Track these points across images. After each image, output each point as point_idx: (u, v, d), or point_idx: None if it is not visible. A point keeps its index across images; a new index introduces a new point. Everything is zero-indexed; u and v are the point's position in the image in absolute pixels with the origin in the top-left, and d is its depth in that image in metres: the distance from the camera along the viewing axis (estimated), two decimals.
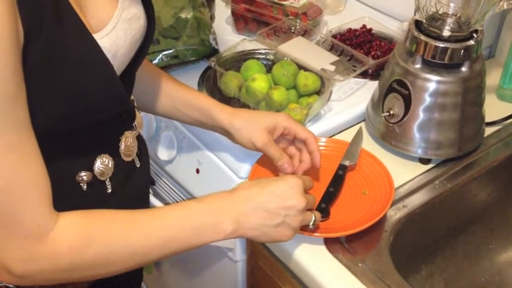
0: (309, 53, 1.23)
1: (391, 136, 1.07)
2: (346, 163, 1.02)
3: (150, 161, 0.97)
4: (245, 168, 1.06)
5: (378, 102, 1.09)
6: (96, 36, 0.71)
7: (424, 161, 1.07)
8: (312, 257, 0.90)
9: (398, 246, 0.93)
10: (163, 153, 1.22)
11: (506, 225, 1.15)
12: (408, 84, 1.02)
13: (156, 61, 1.23)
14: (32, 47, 0.63)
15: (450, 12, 1.01)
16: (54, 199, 0.68)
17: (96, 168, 0.78)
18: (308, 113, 1.10)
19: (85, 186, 0.78)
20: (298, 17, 1.34)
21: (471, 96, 1.03)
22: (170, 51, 1.24)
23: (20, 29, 0.61)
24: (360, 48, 1.31)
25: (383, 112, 1.07)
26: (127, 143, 0.83)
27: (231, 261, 1.14)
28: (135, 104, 0.91)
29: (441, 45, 0.99)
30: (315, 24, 1.36)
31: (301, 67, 1.16)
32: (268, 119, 0.97)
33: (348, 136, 1.10)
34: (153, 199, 1.15)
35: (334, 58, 1.23)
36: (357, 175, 1.02)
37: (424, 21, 1.02)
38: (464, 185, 1.05)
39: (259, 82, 1.13)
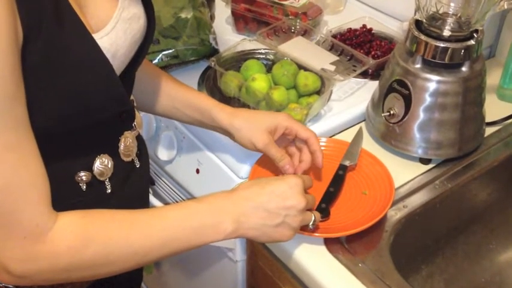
0: (309, 53, 1.22)
1: (392, 136, 1.07)
2: (347, 163, 1.02)
3: (150, 161, 0.96)
4: (245, 168, 1.06)
5: (378, 102, 1.09)
6: (95, 36, 0.71)
7: (424, 161, 1.07)
8: (312, 257, 0.90)
9: (399, 247, 0.93)
10: (163, 153, 1.22)
11: (507, 225, 1.15)
12: (408, 84, 1.02)
13: (156, 61, 1.23)
14: (31, 46, 0.63)
15: (450, 12, 1.01)
16: (54, 199, 0.68)
17: (95, 169, 0.78)
18: (308, 113, 1.10)
19: (84, 187, 0.78)
20: (298, 17, 1.33)
21: (471, 96, 1.03)
22: (170, 51, 1.24)
23: (19, 28, 0.61)
24: (360, 48, 1.31)
25: (383, 112, 1.07)
26: (126, 143, 0.83)
27: (231, 261, 1.14)
28: (135, 104, 0.91)
29: (441, 45, 0.99)
30: (315, 24, 1.36)
31: (301, 67, 1.16)
32: (269, 119, 0.97)
33: (348, 136, 1.10)
34: (153, 199, 1.15)
35: (334, 58, 1.23)
36: (357, 175, 1.02)
37: (424, 21, 1.02)
38: (465, 185, 1.05)
39: (259, 82, 1.13)
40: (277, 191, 0.80)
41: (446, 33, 1.00)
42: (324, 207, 0.93)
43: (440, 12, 1.01)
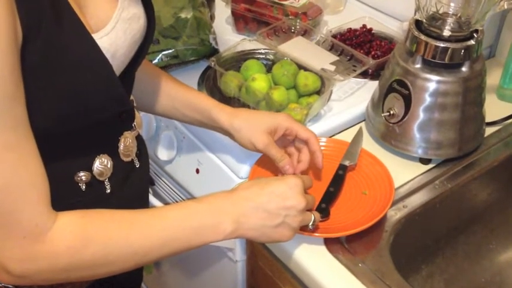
0: (309, 53, 1.22)
1: (391, 136, 1.07)
2: (346, 163, 1.02)
3: (150, 161, 0.96)
4: (245, 168, 1.06)
5: (378, 102, 1.09)
6: (95, 36, 0.71)
7: (424, 161, 1.07)
8: (312, 257, 0.90)
9: (399, 247, 0.93)
10: (163, 153, 1.22)
11: (507, 225, 1.15)
12: (408, 84, 1.02)
13: (155, 61, 1.23)
14: (30, 46, 0.63)
15: (450, 12, 1.01)
16: (53, 199, 0.68)
17: (95, 169, 0.78)
18: (308, 113, 1.10)
19: (84, 187, 0.78)
20: (298, 17, 1.33)
21: (471, 96, 1.03)
22: (170, 51, 1.24)
23: (18, 28, 0.61)
24: (360, 48, 1.31)
25: (383, 112, 1.07)
26: (126, 143, 0.83)
27: (231, 261, 1.14)
28: (135, 104, 0.91)
29: (441, 45, 0.99)
30: (315, 24, 1.36)
31: (301, 67, 1.16)
32: (269, 120, 0.97)
33: (348, 136, 1.10)
34: (153, 199, 1.15)
35: (334, 58, 1.23)
36: (357, 175, 1.02)
37: (424, 21, 1.02)
38: (465, 185, 1.05)
39: (259, 82, 1.13)
40: (277, 192, 0.80)
41: (446, 33, 1.00)
42: (324, 207, 0.93)
43: (440, 12, 1.01)
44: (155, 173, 1.30)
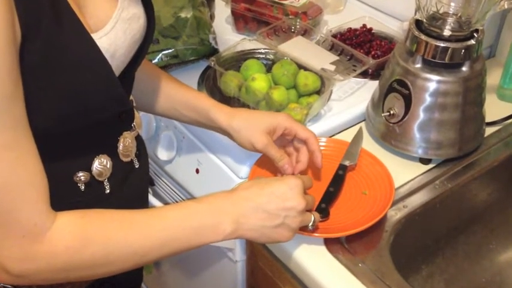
0: (309, 53, 1.22)
1: (392, 136, 1.07)
2: (346, 163, 1.02)
3: (150, 161, 0.96)
4: (245, 168, 1.06)
5: (378, 102, 1.09)
6: (94, 36, 0.71)
7: (424, 161, 1.07)
8: (312, 257, 0.90)
9: (399, 247, 0.93)
10: (162, 153, 1.22)
11: (507, 225, 1.15)
12: (408, 84, 1.02)
13: (155, 61, 1.23)
14: (29, 46, 0.63)
15: (451, 12, 1.01)
16: (52, 199, 0.68)
17: (94, 169, 0.78)
18: (308, 112, 1.10)
19: (83, 187, 0.78)
20: (298, 17, 1.33)
21: (472, 96, 1.03)
22: (170, 50, 1.23)
23: (17, 28, 0.61)
24: (360, 47, 1.31)
25: (383, 112, 1.07)
26: (125, 143, 0.83)
27: (231, 261, 1.14)
28: (134, 104, 0.90)
29: (442, 44, 0.99)
30: (315, 24, 1.36)
31: (301, 67, 1.16)
32: (268, 119, 0.97)
33: (348, 136, 1.10)
34: (152, 199, 1.15)
35: (334, 58, 1.23)
36: (357, 175, 1.02)
37: (424, 20, 1.02)
38: (465, 185, 1.05)
39: (259, 82, 1.12)
40: (277, 192, 0.80)
41: (447, 33, 1.00)
42: (324, 207, 0.93)
43: (441, 12, 1.01)
44: (155, 173, 1.30)
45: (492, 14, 1.07)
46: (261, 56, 1.26)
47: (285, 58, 1.18)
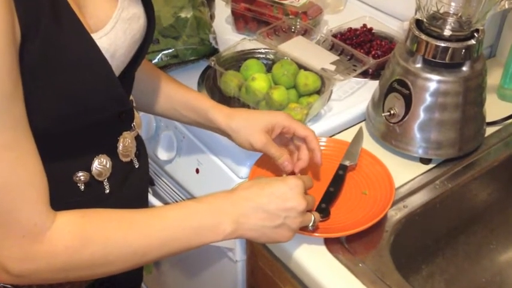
0: (309, 53, 1.22)
1: (392, 136, 1.06)
2: (347, 163, 1.02)
3: (150, 161, 0.96)
4: (245, 168, 1.06)
5: (379, 102, 1.08)
6: (94, 36, 0.71)
7: (424, 161, 1.07)
8: (312, 257, 0.90)
9: (399, 247, 0.93)
10: (162, 153, 1.22)
11: (507, 225, 1.15)
12: (409, 83, 1.02)
13: (155, 60, 1.22)
14: (29, 46, 0.63)
15: (451, 12, 1.01)
16: (52, 199, 0.68)
17: (93, 169, 0.78)
18: (308, 112, 1.10)
19: (82, 187, 0.78)
20: (299, 17, 1.33)
21: (472, 96, 1.03)
22: (170, 50, 1.23)
23: (17, 27, 0.61)
24: (360, 47, 1.31)
25: (383, 112, 1.07)
26: (125, 143, 0.83)
27: (231, 261, 1.14)
28: (134, 104, 0.90)
29: (442, 44, 0.99)
30: (315, 24, 1.36)
31: (301, 67, 1.16)
32: (266, 118, 0.97)
33: (348, 136, 1.10)
34: (152, 199, 1.15)
35: (335, 57, 1.23)
36: (357, 175, 1.02)
37: (424, 20, 1.02)
38: (465, 185, 1.05)
39: (259, 82, 1.12)
40: (277, 192, 0.79)
41: (447, 32, 1.00)
42: (324, 207, 0.93)
43: (441, 11, 1.01)
44: (155, 173, 1.29)
45: (492, 14, 1.07)
46: (261, 56, 1.26)
47: (285, 58, 1.18)
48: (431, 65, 1.01)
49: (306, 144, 0.97)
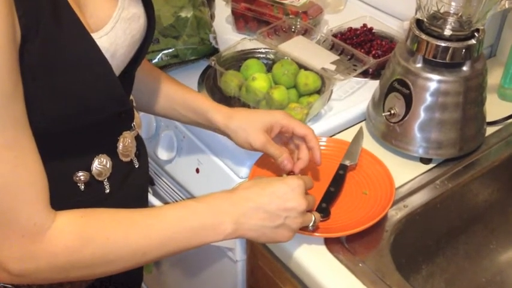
0: (310, 52, 1.22)
1: (392, 136, 1.06)
2: (347, 163, 1.02)
3: (150, 161, 0.96)
4: (245, 168, 1.06)
5: (379, 102, 1.08)
6: (94, 35, 0.71)
7: (425, 160, 1.07)
8: (312, 257, 0.90)
9: (399, 246, 0.93)
10: (163, 153, 1.22)
11: (507, 225, 1.15)
12: (409, 83, 1.02)
13: (155, 60, 1.22)
14: (29, 46, 0.63)
15: (451, 11, 1.01)
16: (52, 199, 0.68)
17: (93, 169, 0.78)
18: (308, 112, 1.10)
19: (82, 186, 0.78)
20: (299, 16, 1.33)
21: (472, 96, 1.03)
22: (170, 50, 1.23)
23: (17, 27, 0.61)
24: (360, 47, 1.31)
25: (384, 112, 1.07)
26: (125, 143, 0.83)
27: (231, 261, 1.14)
28: (134, 104, 0.90)
29: (442, 44, 0.99)
30: (315, 23, 1.36)
31: (301, 66, 1.16)
32: (265, 118, 0.96)
33: (348, 136, 1.10)
34: (152, 199, 1.15)
35: (335, 57, 1.22)
36: (358, 175, 1.02)
37: (425, 20, 1.02)
38: (465, 185, 1.05)
39: (260, 81, 1.12)
40: (278, 193, 0.79)
41: (447, 32, 1.00)
42: (325, 207, 0.93)
43: (441, 11, 1.01)
44: (155, 173, 1.29)
45: (493, 14, 1.07)
46: (262, 55, 1.26)
47: (286, 58, 1.18)
48: (432, 65, 1.01)
49: (305, 143, 0.97)
